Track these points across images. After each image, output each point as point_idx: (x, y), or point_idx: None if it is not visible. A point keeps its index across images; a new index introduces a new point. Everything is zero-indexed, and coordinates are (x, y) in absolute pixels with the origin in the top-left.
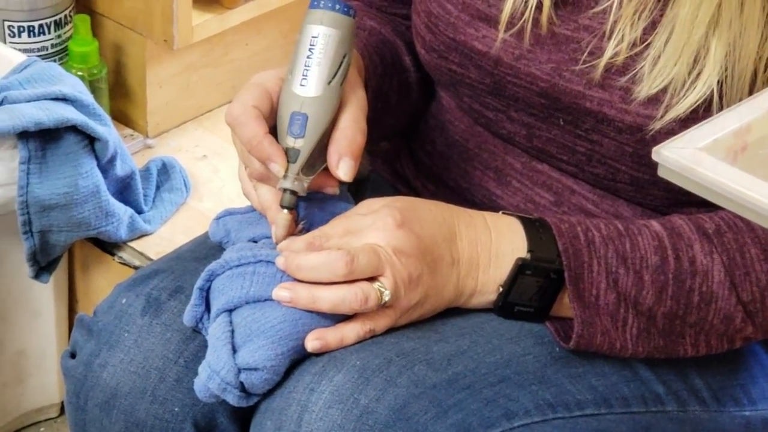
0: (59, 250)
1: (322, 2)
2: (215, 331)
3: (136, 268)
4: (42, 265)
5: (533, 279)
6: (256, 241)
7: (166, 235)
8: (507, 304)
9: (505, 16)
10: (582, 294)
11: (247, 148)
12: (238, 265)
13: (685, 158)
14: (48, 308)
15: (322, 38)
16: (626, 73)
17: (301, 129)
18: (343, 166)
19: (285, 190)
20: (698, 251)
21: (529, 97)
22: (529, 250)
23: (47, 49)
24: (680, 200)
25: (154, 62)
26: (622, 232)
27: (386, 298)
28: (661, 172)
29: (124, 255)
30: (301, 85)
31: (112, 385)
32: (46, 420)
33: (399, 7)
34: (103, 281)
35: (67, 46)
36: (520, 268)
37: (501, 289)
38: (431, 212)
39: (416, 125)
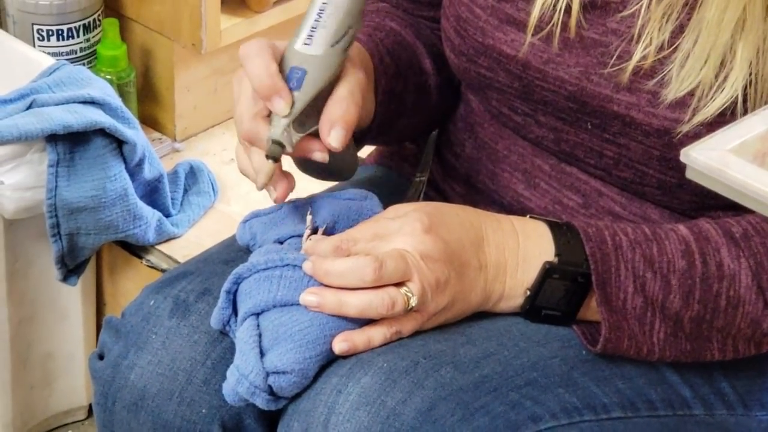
0: (87, 253)
1: None
2: (243, 335)
3: (163, 271)
4: (70, 267)
5: (560, 283)
6: (281, 242)
7: (193, 239)
8: (534, 308)
9: (533, 20)
10: (609, 298)
11: (256, 82)
12: (264, 269)
13: (713, 160)
14: (76, 311)
15: (331, 5)
16: (654, 76)
17: (298, 83)
18: (334, 134)
19: (273, 141)
20: (725, 255)
21: (557, 100)
22: (557, 254)
23: (76, 53)
24: (708, 204)
25: (182, 66)
26: (649, 237)
27: (413, 303)
28: (689, 174)
29: (152, 258)
30: (305, 43)
31: (140, 387)
32: (73, 422)
33: (426, 9)
34: (131, 284)
35: (95, 49)
36: (548, 271)
37: (528, 293)
38: (459, 217)
39: (444, 128)
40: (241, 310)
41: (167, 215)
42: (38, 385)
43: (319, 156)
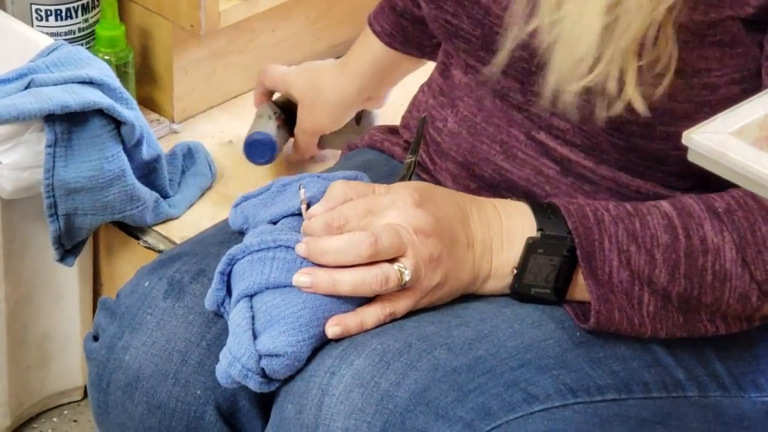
0: (84, 234)
1: None
2: (236, 317)
3: (160, 252)
4: (67, 248)
5: (546, 258)
6: (275, 222)
7: (190, 220)
8: (523, 286)
9: None
10: (595, 271)
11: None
12: (258, 250)
13: (714, 143)
14: (72, 292)
15: None
16: None
17: None
18: None
19: None
20: (708, 230)
21: (512, 50)
22: (539, 229)
23: (74, 33)
24: (661, 169)
25: (181, 47)
26: (631, 212)
27: (407, 278)
28: (691, 157)
29: (149, 239)
30: None
31: (135, 368)
32: (69, 403)
33: None
34: (128, 265)
35: (94, 30)
36: (531, 246)
37: (515, 271)
38: (445, 195)
39: (428, 104)
40: (235, 292)
41: (165, 196)
42: (34, 365)
43: None
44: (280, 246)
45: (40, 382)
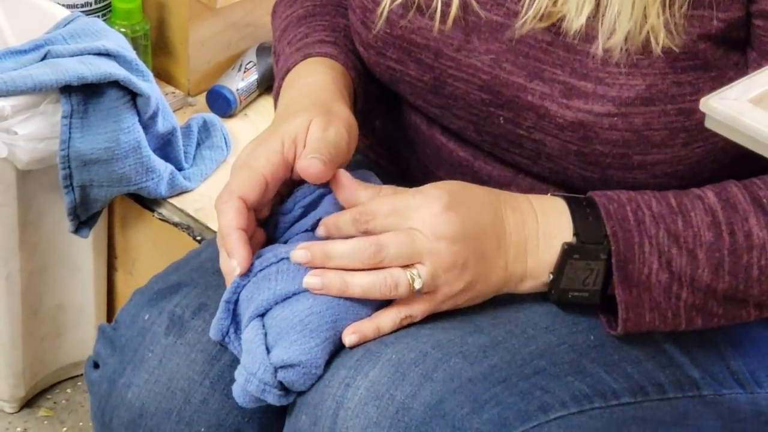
0: (99, 205)
1: None
2: (248, 335)
3: (175, 224)
4: (82, 219)
5: (583, 262)
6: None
7: (205, 192)
8: (560, 291)
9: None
10: (630, 276)
11: (219, 235)
12: (261, 270)
13: (732, 109)
14: (87, 263)
15: None
16: (568, 64)
17: None
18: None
19: None
20: (754, 224)
21: (469, 92)
22: (575, 234)
23: (91, 5)
24: None
25: (197, 20)
26: (674, 209)
27: (417, 286)
28: (708, 123)
29: (164, 211)
30: None
31: (138, 406)
32: (82, 375)
33: None
34: (142, 237)
35: (110, 2)
36: (567, 252)
37: (551, 276)
38: (481, 197)
39: (385, 146)
40: (245, 316)
41: (180, 169)
42: (48, 336)
43: None
44: (282, 259)
45: (54, 353)
